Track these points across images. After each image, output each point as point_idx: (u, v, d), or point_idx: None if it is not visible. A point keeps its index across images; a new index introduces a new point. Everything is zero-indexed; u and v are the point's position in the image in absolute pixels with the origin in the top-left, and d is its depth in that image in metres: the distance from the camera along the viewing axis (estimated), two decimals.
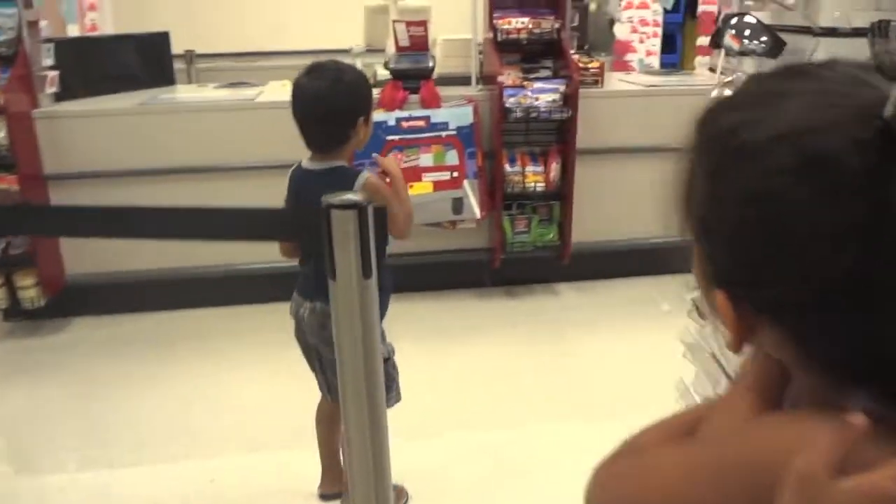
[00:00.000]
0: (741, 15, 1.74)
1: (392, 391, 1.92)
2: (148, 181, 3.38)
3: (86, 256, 3.43)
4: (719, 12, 5.40)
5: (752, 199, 0.48)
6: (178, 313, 3.53)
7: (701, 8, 5.63)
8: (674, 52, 6.07)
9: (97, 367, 3.10)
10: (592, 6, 6.05)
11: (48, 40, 3.43)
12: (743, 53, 1.72)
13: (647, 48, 5.69)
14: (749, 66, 1.81)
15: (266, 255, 3.44)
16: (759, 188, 0.47)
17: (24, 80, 3.25)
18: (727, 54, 1.86)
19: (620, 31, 5.64)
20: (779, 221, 0.46)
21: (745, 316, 0.52)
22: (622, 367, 2.92)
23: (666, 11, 5.68)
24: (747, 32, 1.67)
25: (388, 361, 1.93)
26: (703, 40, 5.75)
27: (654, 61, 5.70)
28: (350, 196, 1.08)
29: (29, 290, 3.31)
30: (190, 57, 5.56)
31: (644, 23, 5.62)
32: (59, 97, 3.49)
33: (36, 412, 2.77)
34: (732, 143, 0.50)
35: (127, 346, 3.28)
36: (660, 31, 5.72)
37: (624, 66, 5.40)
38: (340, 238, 1.09)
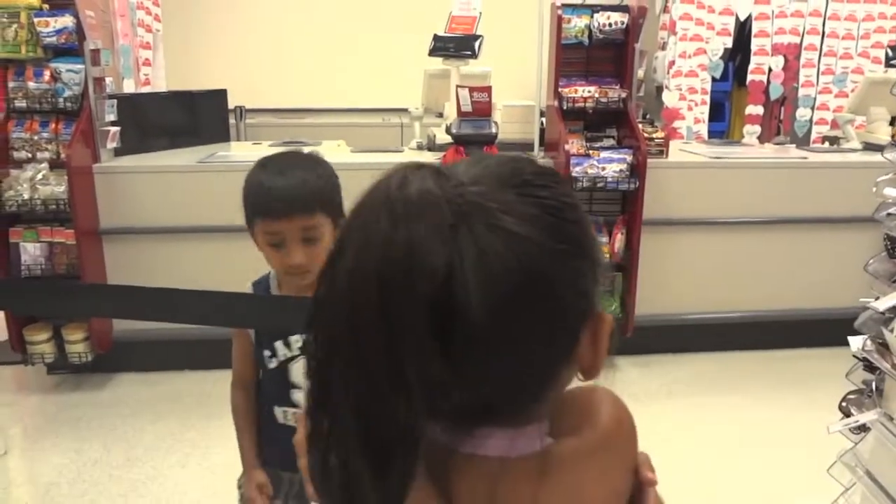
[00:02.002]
0: None
1: None
2: (203, 238, 3.35)
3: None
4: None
5: None
6: (221, 373, 3.43)
7: (750, 77, 5.62)
8: (721, 120, 6.03)
9: (140, 429, 3.00)
10: (640, 73, 6.05)
11: (111, 96, 3.45)
12: None
13: (696, 116, 5.66)
14: None
15: None
16: None
17: (86, 136, 3.26)
18: None
19: (669, 99, 5.62)
20: None
21: None
22: (683, 450, 2.77)
23: (714, 80, 5.66)
24: None
25: None
26: (752, 109, 5.74)
27: (703, 129, 5.66)
28: None
29: (77, 344, 3.25)
30: (240, 112, 5.61)
31: (692, 90, 5.60)
32: (117, 152, 3.50)
33: (78, 474, 2.67)
34: None
35: (171, 405, 3.19)
36: (708, 98, 5.70)
37: (672, 134, 5.36)
38: None
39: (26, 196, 3.12)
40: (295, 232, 1.28)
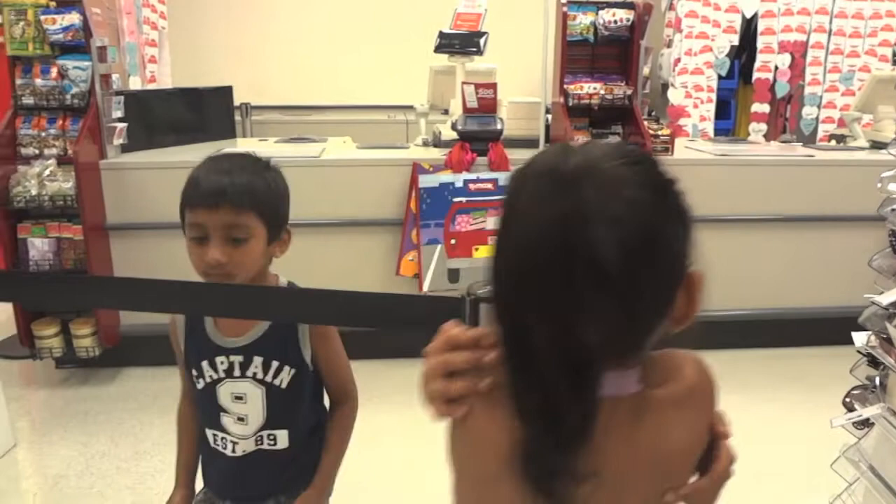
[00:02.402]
0: None
1: None
2: None
3: None
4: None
5: None
6: None
7: (756, 75, 5.61)
8: (727, 118, 6.02)
9: (148, 423, 3.02)
10: (645, 70, 6.04)
11: (118, 93, 3.47)
12: None
13: (701, 114, 5.65)
14: None
15: None
16: None
17: (93, 132, 3.27)
18: None
19: (674, 97, 5.61)
20: None
21: None
22: None
23: (720, 77, 5.66)
24: None
25: None
26: (758, 107, 5.73)
27: (708, 127, 5.66)
28: None
29: (85, 339, 3.27)
30: (246, 109, 5.63)
31: (698, 88, 5.60)
32: (124, 148, 3.52)
33: (87, 467, 2.69)
34: None
35: (178, 400, 3.20)
36: (714, 96, 5.69)
37: (678, 132, 5.35)
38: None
39: (34, 192, 3.14)
40: (218, 227, 1.21)
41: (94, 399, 3.24)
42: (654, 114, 3.85)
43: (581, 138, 3.36)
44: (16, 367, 3.53)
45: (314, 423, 1.41)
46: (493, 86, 3.34)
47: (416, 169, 3.28)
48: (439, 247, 3.28)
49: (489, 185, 3.26)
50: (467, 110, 3.37)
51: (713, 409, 0.77)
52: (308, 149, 3.72)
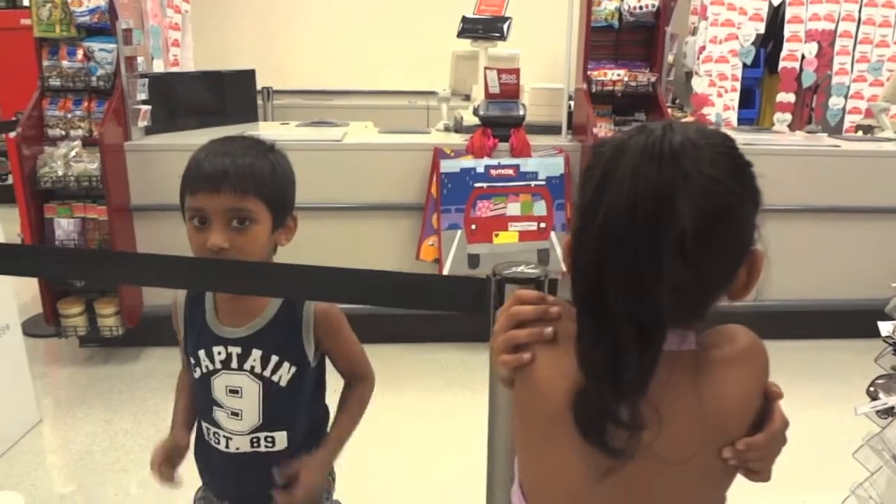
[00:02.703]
0: None
1: None
2: None
3: (163, 289, 3.43)
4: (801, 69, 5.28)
5: None
6: None
7: (782, 64, 5.53)
8: (752, 107, 5.94)
9: (169, 402, 3.03)
10: (670, 58, 5.98)
11: (143, 75, 3.49)
12: None
13: (725, 102, 5.58)
14: None
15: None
16: None
17: (118, 114, 3.30)
18: None
19: (698, 85, 5.54)
20: None
21: None
22: None
23: (745, 66, 5.58)
24: None
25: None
26: (784, 96, 5.65)
27: (732, 116, 5.59)
28: (526, 269, 1.01)
29: (109, 318, 3.31)
30: (268, 93, 5.65)
31: (722, 77, 5.52)
32: (148, 131, 3.55)
33: (111, 443, 2.74)
34: None
35: None
36: (738, 85, 5.62)
37: (702, 121, 5.30)
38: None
39: (60, 173, 3.19)
40: (220, 211, 1.15)
41: (117, 377, 3.29)
42: (677, 102, 3.81)
43: (604, 126, 3.34)
44: (41, 345, 3.58)
45: (315, 424, 1.35)
46: (516, 71, 3.33)
47: (438, 154, 3.28)
48: (459, 232, 3.28)
49: (510, 171, 3.26)
50: (489, 96, 3.36)
51: (766, 375, 0.82)
52: (330, 133, 3.72)
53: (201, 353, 1.26)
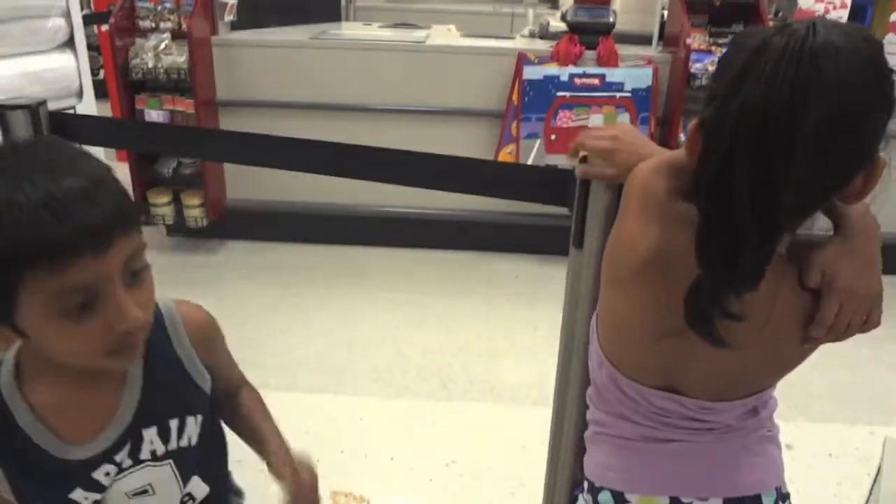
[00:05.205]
0: None
1: None
2: (312, 115, 3.42)
3: (246, 183, 3.54)
4: None
5: None
6: (324, 248, 3.62)
7: None
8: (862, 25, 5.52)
9: (249, 292, 3.21)
10: None
11: None
12: None
13: (833, 19, 5.20)
14: None
15: (422, 200, 3.43)
16: None
17: (206, 8, 3.33)
18: None
19: (804, 0, 5.17)
20: None
21: None
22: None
23: None
24: None
25: None
26: None
27: None
28: None
29: (194, 209, 3.45)
30: None
31: None
32: (233, 26, 3.57)
33: None
34: None
35: (277, 274, 3.39)
36: (849, 1, 5.20)
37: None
38: (595, 209, 1.02)
39: (150, 65, 3.26)
40: (118, 270, 0.73)
41: (201, 266, 3.46)
42: (781, 14, 3.56)
43: (698, 37, 3.17)
44: None
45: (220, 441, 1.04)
46: None
47: (521, 60, 3.19)
48: (538, 141, 3.22)
49: (595, 81, 3.15)
50: (579, 1, 3.22)
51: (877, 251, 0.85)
52: (412, 34, 3.67)
53: (76, 494, 0.85)
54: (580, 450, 1.09)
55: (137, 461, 0.88)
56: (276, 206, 3.59)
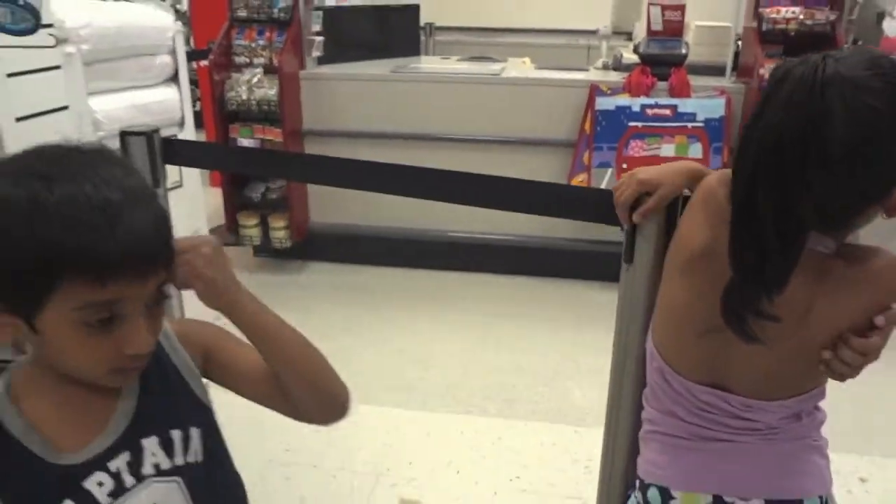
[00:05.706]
0: None
1: None
2: (391, 144, 3.60)
3: (327, 208, 3.75)
4: None
5: None
6: (399, 270, 3.76)
7: None
8: None
9: (329, 310, 3.38)
10: None
11: (317, 8, 3.73)
12: None
13: None
14: None
15: (490, 227, 3.55)
16: None
17: (295, 44, 3.58)
18: None
19: (890, 28, 5.04)
20: None
21: None
22: None
23: None
24: None
25: None
26: None
27: None
28: None
29: (280, 231, 3.67)
30: (429, 29, 5.78)
31: None
32: (320, 61, 3.80)
33: None
34: None
35: (358, 295, 3.55)
36: None
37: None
38: (645, 227, 1.10)
39: (244, 97, 3.52)
40: (143, 298, 0.75)
41: (285, 285, 3.66)
42: (860, 43, 3.51)
43: (771, 66, 3.17)
44: None
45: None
46: (682, 7, 3.23)
47: (594, 91, 3.28)
48: (610, 170, 3.29)
49: (667, 111, 3.20)
50: (651, 33, 3.29)
51: (890, 298, 0.91)
52: (488, 67, 3.81)
53: (101, 474, 0.80)
54: (632, 459, 1.15)
55: (140, 477, 0.82)
56: (355, 230, 3.77)
